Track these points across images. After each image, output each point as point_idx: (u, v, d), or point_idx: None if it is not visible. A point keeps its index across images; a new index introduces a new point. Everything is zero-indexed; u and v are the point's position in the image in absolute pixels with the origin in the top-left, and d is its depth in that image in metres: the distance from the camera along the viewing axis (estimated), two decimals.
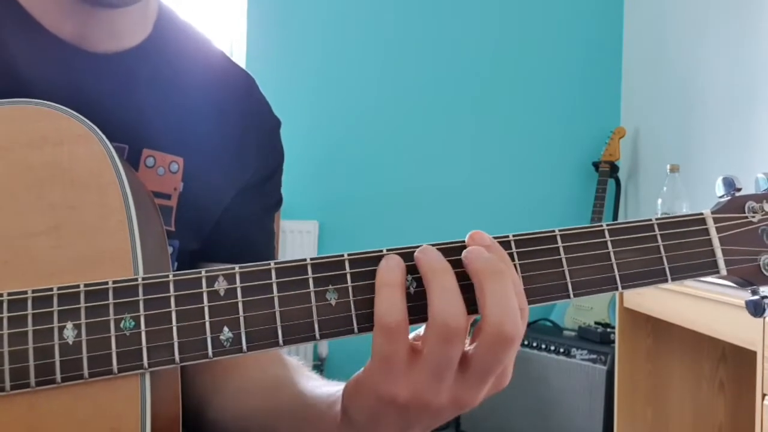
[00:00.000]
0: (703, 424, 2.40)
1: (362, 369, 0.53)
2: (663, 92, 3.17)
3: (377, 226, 3.21)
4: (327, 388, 0.59)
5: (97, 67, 0.67)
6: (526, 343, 2.82)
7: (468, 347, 0.51)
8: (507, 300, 0.49)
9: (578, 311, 3.07)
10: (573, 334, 2.83)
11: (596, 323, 2.87)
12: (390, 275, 0.51)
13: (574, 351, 2.70)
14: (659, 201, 2.34)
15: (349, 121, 3.28)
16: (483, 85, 3.39)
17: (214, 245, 0.74)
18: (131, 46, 0.70)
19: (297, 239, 3.17)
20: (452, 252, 0.52)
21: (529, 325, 3.01)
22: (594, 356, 2.65)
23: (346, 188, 3.27)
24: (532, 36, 3.43)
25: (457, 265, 0.52)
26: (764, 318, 1.66)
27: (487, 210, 3.33)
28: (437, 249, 0.52)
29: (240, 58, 3.20)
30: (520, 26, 3.42)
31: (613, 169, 3.28)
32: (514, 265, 0.54)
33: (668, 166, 2.35)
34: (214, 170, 0.73)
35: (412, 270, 0.52)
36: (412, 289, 0.52)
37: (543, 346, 2.78)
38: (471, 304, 0.51)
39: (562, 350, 2.73)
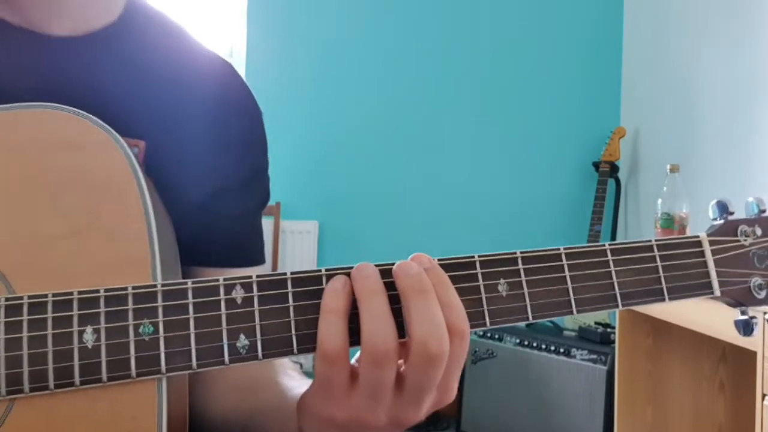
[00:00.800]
0: (703, 424, 2.41)
1: (308, 387, 0.54)
2: (663, 92, 3.18)
3: (377, 226, 3.22)
4: (299, 391, 0.59)
5: (55, 50, 0.67)
6: (526, 343, 2.83)
7: (402, 367, 0.51)
8: (431, 318, 0.50)
9: None
10: (573, 334, 2.84)
11: (596, 323, 2.87)
12: (330, 300, 0.51)
13: (574, 351, 2.70)
14: (659, 201, 2.34)
15: (349, 121, 3.28)
16: (483, 85, 3.39)
17: (204, 247, 0.72)
18: (93, 30, 0.69)
19: (297, 239, 3.17)
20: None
21: (529, 325, 3.04)
22: (594, 356, 2.65)
23: (346, 188, 3.28)
24: (533, 36, 3.44)
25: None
26: (764, 318, 1.67)
27: (488, 210, 3.34)
28: (380, 267, 0.52)
29: (240, 59, 3.21)
30: (520, 26, 3.43)
31: (613, 169, 3.29)
32: (518, 282, 0.55)
33: (668, 166, 2.35)
34: (183, 156, 0.70)
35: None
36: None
37: (543, 346, 2.78)
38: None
39: (562, 350, 2.73)
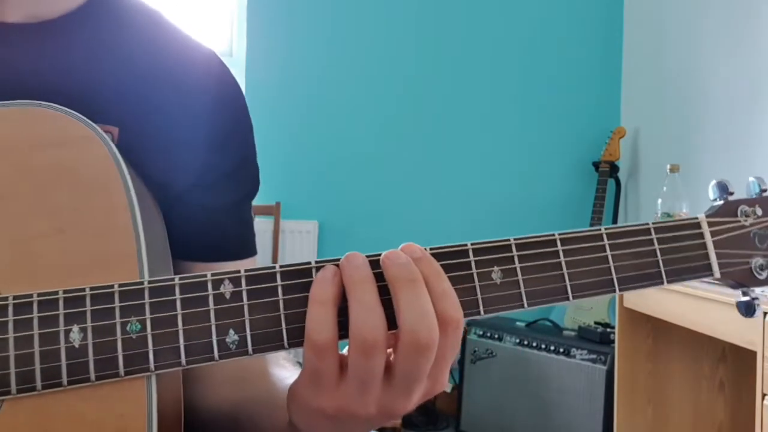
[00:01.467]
0: (703, 424, 2.40)
1: (296, 378, 0.53)
2: (663, 92, 3.18)
3: (377, 226, 3.21)
4: (290, 381, 0.58)
5: (12, 38, 0.65)
6: (525, 342, 2.83)
7: (391, 357, 0.51)
8: (419, 308, 0.49)
9: (578, 311, 3.07)
10: (573, 334, 2.83)
11: (596, 323, 2.87)
12: (319, 290, 0.50)
13: (574, 351, 2.70)
14: (659, 201, 2.34)
15: (349, 120, 3.28)
16: (483, 85, 3.39)
17: (191, 241, 0.71)
18: (56, 15, 0.67)
19: (297, 239, 3.17)
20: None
21: (529, 325, 3.03)
22: (594, 356, 2.65)
23: (346, 188, 3.28)
24: (533, 36, 3.43)
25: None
26: (764, 318, 1.67)
27: (487, 210, 3.34)
28: (369, 258, 0.51)
29: (240, 59, 3.21)
30: (520, 26, 3.43)
31: (613, 169, 3.28)
32: (512, 269, 0.54)
33: (668, 166, 2.35)
34: (162, 143, 0.68)
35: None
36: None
37: (543, 346, 2.78)
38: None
39: (562, 350, 2.73)
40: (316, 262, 0.52)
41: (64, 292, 0.50)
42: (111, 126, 0.66)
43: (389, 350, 0.51)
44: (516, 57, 3.42)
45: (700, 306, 1.96)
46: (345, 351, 0.51)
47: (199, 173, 0.70)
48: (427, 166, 3.34)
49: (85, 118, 0.55)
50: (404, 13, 3.34)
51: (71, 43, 0.66)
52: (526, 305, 0.54)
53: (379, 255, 0.52)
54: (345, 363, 0.50)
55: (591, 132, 3.42)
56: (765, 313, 1.69)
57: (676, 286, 2.07)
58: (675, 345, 2.41)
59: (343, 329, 0.50)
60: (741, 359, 2.30)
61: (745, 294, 0.60)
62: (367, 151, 3.29)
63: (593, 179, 3.30)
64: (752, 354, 1.74)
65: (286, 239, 3.14)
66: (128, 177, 0.54)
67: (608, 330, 2.69)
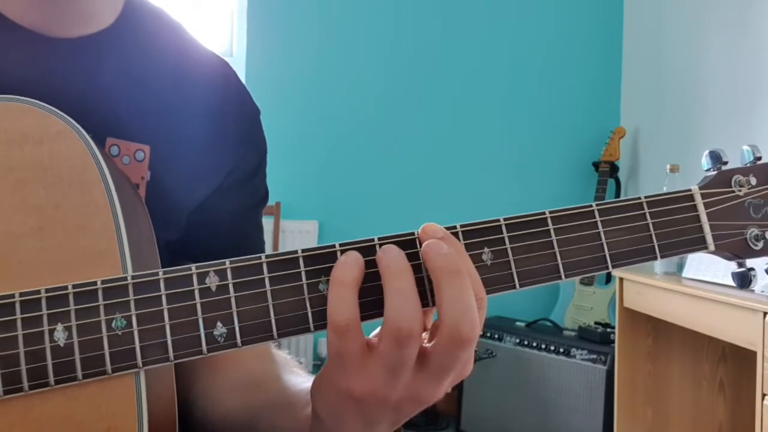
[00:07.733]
0: (703, 424, 2.40)
1: (324, 366, 0.53)
2: (663, 92, 3.17)
3: (377, 226, 3.20)
4: (308, 384, 0.57)
5: (60, 52, 0.65)
6: (526, 342, 2.82)
7: (426, 344, 0.50)
8: (464, 301, 0.49)
9: (578, 311, 3.07)
10: (573, 334, 2.83)
11: (596, 323, 2.87)
12: (342, 273, 0.50)
13: (574, 351, 2.70)
14: None
15: (349, 121, 3.28)
16: (483, 85, 3.39)
17: (203, 244, 0.72)
18: (96, 30, 0.68)
19: (297, 239, 3.17)
20: (408, 245, 0.52)
21: (529, 325, 3.02)
22: (594, 356, 2.65)
23: (345, 188, 3.27)
24: (533, 36, 3.43)
25: (413, 258, 0.52)
26: (764, 318, 1.66)
27: (487, 210, 3.31)
28: (394, 242, 0.52)
29: (240, 59, 3.21)
30: (520, 26, 3.43)
31: (613, 169, 3.28)
32: (502, 249, 0.54)
33: (668, 166, 2.35)
34: (186, 158, 0.70)
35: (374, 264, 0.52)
36: (369, 284, 0.51)
37: (543, 346, 2.78)
38: (428, 296, 0.51)
39: (562, 350, 2.73)
40: (303, 251, 0.52)
41: (47, 290, 0.50)
42: (143, 144, 0.67)
43: (424, 334, 0.50)
44: (516, 57, 3.42)
45: (700, 306, 1.95)
46: (374, 335, 0.51)
47: (219, 180, 0.73)
48: (427, 165, 3.33)
49: (60, 113, 0.54)
50: (404, 13, 3.34)
51: (103, 62, 0.67)
52: (518, 286, 0.54)
53: (398, 237, 0.52)
54: (372, 345, 0.50)
55: (591, 132, 3.42)
56: (765, 314, 1.69)
57: (677, 286, 2.07)
58: (675, 345, 2.40)
59: (371, 309, 0.50)
60: (741, 359, 2.30)
61: (740, 265, 0.59)
62: (367, 151, 3.29)
63: (593, 179, 3.29)
64: (752, 354, 1.74)
65: (287, 239, 3.14)
66: (107, 171, 0.53)
67: (608, 330, 2.69)
